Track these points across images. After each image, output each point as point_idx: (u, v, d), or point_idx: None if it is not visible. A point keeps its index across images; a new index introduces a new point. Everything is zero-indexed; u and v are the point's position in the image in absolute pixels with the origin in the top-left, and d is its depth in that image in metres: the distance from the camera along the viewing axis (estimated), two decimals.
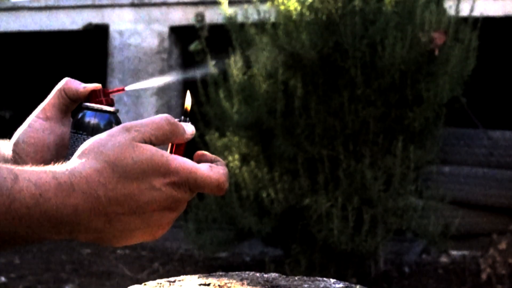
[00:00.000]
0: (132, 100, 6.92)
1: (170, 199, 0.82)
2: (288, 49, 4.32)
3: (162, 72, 6.90)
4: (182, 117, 0.91)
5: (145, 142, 0.82)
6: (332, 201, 4.30)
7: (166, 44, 6.96)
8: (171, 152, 0.87)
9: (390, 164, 4.36)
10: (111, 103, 0.97)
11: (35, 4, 7.40)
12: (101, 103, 0.96)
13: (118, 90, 0.99)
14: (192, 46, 5.43)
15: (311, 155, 4.45)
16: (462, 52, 4.49)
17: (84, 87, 0.97)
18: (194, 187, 0.83)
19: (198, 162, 0.87)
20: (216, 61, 4.78)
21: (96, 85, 0.98)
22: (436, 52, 4.34)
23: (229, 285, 1.22)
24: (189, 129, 0.88)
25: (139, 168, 0.80)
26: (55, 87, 1.00)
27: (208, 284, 1.21)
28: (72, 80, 0.99)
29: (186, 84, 5.56)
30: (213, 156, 0.90)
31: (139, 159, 0.80)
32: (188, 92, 0.95)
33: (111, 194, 0.79)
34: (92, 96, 0.97)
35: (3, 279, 4.85)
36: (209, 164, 0.86)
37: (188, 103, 0.94)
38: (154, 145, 0.82)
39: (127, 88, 1.00)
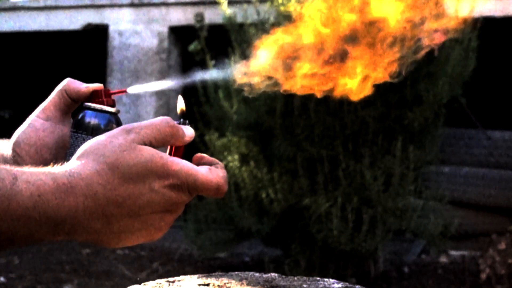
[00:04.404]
0: (131, 100, 6.92)
1: (169, 201, 0.82)
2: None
3: (161, 72, 6.89)
4: (182, 120, 0.91)
5: (145, 144, 0.82)
6: (332, 201, 4.30)
7: (166, 44, 6.96)
8: (170, 154, 0.87)
9: (389, 164, 4.35)
10: (112, 104, 0.97)
11: (35, 4, 7.40)
12: (102, 104, 0.96)
13: (120, 92, 0.99)
14: (192, 46, 5.43)
15: (310, 155, 4.45)
16: (462, 53, 4.49)
17: (87, 87, 0.98)
18: (193, 189, 0.83)
19: (197, 164, 0.87)
20: (216, 61, 4.77)
21: (98, 85, 0.98)
22: (436, 52, 4.34)
23: (228, 285, 1.22)
24: (188, 131, 0.88)
25: (139, 170, 0.80)
26: (57, 87, 1.00)
27: (208, 284, 1.21)
28: (74, 80, 0.99)
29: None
30: (212, 159, 0.90)
31: (139, 161, 0.80)
32: (178, 98, 0.95)
33: (110, 196, 0.79)
34: (94, 96, 0.97)
35: (2, 279, 4.85)
36: (208, 166, 0.86)
37: (180, 105, 0.94)
38: (153, 147, 0.82)
39: (129, 90, 1.00)
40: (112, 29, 7.09)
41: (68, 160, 0.83)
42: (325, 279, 1.26)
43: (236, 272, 1.32)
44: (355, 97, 1.01)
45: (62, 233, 0.79)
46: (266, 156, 4.65)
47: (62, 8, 7.33)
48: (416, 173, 4.54)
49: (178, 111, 0.93)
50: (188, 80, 1.00)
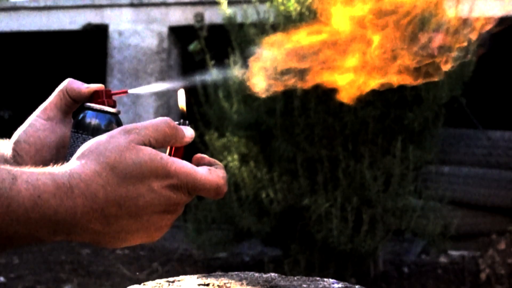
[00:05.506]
0: (131, 100, 6.92)
1: (169, 202, 0.82)
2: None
3: (161, 72, 6.89)
4: (182, 120, 0.91)
5: (145, 145, 0.82)
6: (331, 201, 4.30)
7: (166, 44, 6.96)
8: (170, 155, 0.87)
9: (389, 164, 4.35)
10: (113, 104, 0.97)
11: (35, 4, 7.40)
12: (103, 104, 0.96)
13: (121, 93, 0.99)
14: (192, 46, 5.43)
15: (310, 155, 4.45)
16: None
17: (87, 87, 0.98)
18: (192, 190, 0.83)
19: (197, 165, 0.87)
20: (216, 61, 4.78)
21: (99, 86, 0.98)
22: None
23: (228, 285, 1.22)
24: (188, 132, 0.88)
25: (138, 171, 0.80)
26: (58, 87, 1.00)
27: (207, 284, 1.22)
28: (75, 80, 0.99)
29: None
30: (212, 160, 0.90)
31: (139, 161, 0.80)
32: (179, 91, 0.94)
33: (110, 196, 0.79)
34: (94, 96, 0.97)
35: (2, 279, 4.85)
36: (208, 167, 0.86)
37: (181, 102, 0.94)
38: (153, 147, 0.82)
39: (130, 91, 1.00)
40: (112, 29, 7.09)
41: (68, 160, 0.84)
42: (325, 279, 1.26)
43: (236, 272, 1.32)
44: (356, 94, 1.02)
45: (62, 233, 0.79)
46: (266, 156, 4.65)
47: (62, 8, 7.33)
48: (416, 173, 4.54)
49: (180, 106, 0.93)
50: (189, 81, 1.00)
